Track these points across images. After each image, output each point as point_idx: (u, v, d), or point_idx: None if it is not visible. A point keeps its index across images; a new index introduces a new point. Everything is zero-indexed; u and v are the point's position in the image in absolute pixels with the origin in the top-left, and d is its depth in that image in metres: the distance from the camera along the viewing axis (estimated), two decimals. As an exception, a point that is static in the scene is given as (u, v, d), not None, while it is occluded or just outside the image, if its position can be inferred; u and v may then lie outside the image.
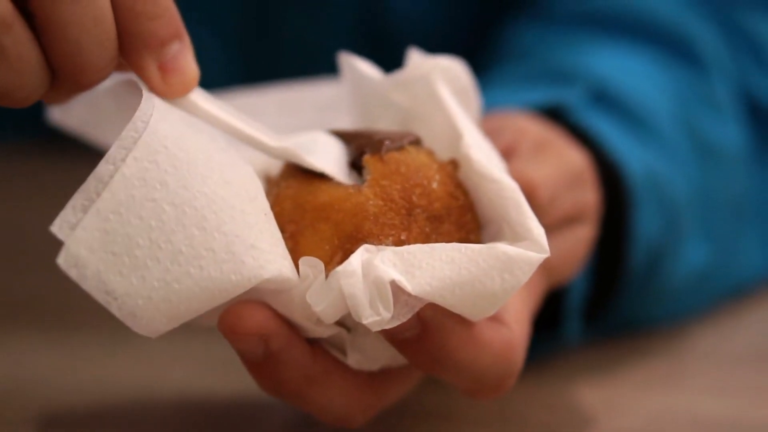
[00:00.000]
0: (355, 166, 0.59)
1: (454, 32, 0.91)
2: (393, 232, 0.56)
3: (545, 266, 0.64)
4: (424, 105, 0.61)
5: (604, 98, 0.78)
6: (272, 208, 0.58)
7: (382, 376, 0.60)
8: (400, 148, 0.58)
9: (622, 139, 0.75)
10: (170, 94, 0.55)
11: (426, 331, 0.56)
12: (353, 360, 0.59)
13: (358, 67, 0.63)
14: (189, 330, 0.77)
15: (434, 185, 0.58)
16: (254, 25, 0.91)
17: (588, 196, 0.69)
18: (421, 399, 0.71)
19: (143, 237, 0.53)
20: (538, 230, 0.55)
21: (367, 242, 0.56)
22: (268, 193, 0.60)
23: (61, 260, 0.52)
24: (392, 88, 0.62)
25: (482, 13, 0.95)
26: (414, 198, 0.57)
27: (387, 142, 0.58)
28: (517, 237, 0.56)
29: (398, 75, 0.62)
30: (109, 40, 0.53)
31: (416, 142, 0.60)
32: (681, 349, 0.79)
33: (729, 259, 0.82)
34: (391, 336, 0.56)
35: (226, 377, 0.73)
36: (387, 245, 0.56)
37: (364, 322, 0.53)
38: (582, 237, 0.69)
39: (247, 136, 0.58)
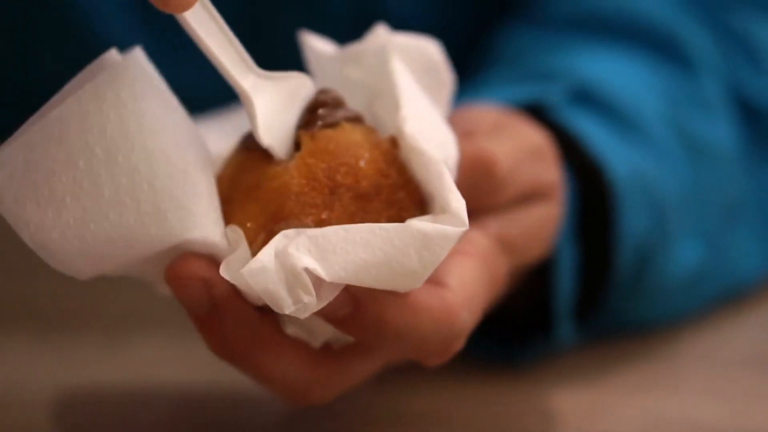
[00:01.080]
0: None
1: (450, 35, 0.91)
2: (314, 212, 0.56)
3: (505, 242, 0.64)
4: (378, 80, 0.61)
5: (588, 97, 0.77)
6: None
7: (343, 349, 0.60)
8: (335, 125, 0.59)
9: (606, 138, 0.75)
10: (166, 9, 0.54)
11: (359, 306, 0.56)
12: (291, 331, 0.59)
13: (315, 45, 0.63)
14: (186, 330, 0.77)
15: (362, 164, 0.57)
16: (248, 26, 0.91)
17: (550, 175, 0.68)
18: (410, 402, 0.71)
19: (66, 174, 0.53)
20: (456, 203, 0.55)
21: (288, 222, 0.56)
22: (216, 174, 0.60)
23: None
24: (346, 62, 0.62)
25: (478, 16, 0.95)
26: (338, 177, 0.57)
27: (321, 116, 0.58)
28: (441, 210, 0.56)
29: (352, 48, 0.62)
30: None
31: (355, 119, 0.59)
32: (675, 352, 0.78)
33: (723, 259, 0.82)
34: (325, 316, 0.56)
35: (225, 379, 0.73)
36: (308, 225, 0.56)
37: (287, 312, 0.53)
38: (546, 215, 0.68)
39: (222, 67, 0.57)
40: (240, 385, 0.72)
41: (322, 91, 0.60)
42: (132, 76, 0.55)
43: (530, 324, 0.74)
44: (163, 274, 0.57)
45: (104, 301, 0.83)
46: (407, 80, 0.61)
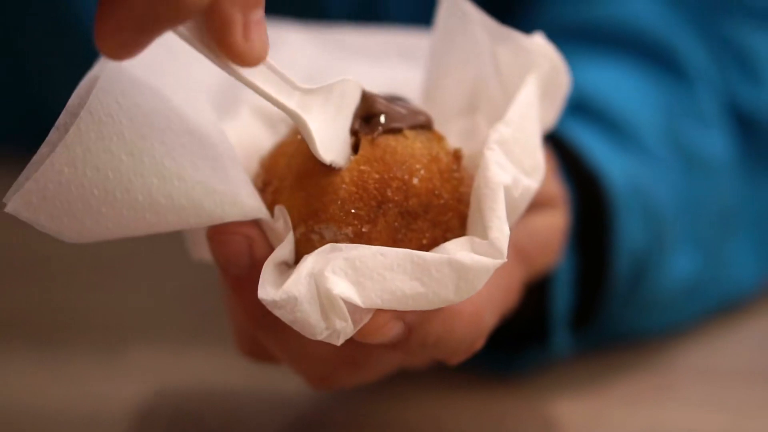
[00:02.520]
0: (355, 134, 0.58)
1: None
2: (355, 222, 0.56)
3: (519, 252, 0.64)
4: (510, 79, 0.61)
5: (584, 108, 0.78)
6: (270, 158, 0.59)
7: None
8: (398, 131, 0.58)
9: (603, 148, 0.75)
10: (246, 56, 0.52)
11: (412, 329, 0.56)
12: None
13: (466, 8, 0.62)
14: (181, 344, 0.77)
15: (415, 181, 0.57)
16: None
17: (549, 186, 0.68)
18: (405, 411, 0.71)
19: (98, 187, 0.53)
20: (497, 233, 0.54)
21: (328, 225, 0.56)
22: (287, 135, 0.60)
23: (10, 208, 0.53)
24: (500, 40, 0.61)
25: None
26: (389, 192, 0.56)
27: (383, 122, 0.57)
28: (483, 234, 0.55)
29: (513, 33, 0.61)
30: None
31: (422, 125, 0.58)
32: (670, 363, 0.78)
33: (719, 269, 0.82)
34: (380, 344, 0.56)
35: (221, 390, 0.73)
36: (347, 234, 0.56)
37: (319, 338, 0.53)
38: (554, 224, 0.68)
39: (266, 95, 0.56)
40: (236, 398, 0.72)
41: (380, 101, 0.58)
42: (124, 79, 0.55)
43: (527, 333, 0.74)
44: (205, 232, 0.58)
45: (100, 310, 0.83)
46: (531, 99, 0.60)
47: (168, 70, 0.58)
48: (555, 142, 0.74)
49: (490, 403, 0.73)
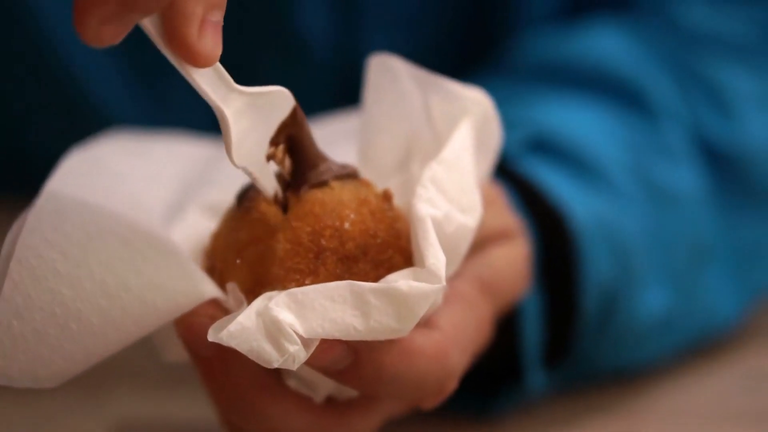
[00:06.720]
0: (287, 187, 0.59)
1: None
2: (297, 277, 0.57)
3: (484, 285, 0.64)
4: (443, 128, 0.61)
5: (546, 146, 0.78)
6: (210, 244, 0.60)
7: (345, 403, 0.60)
8: (323, 184, 0.59)
9: (566, 185, 0.76)
10: (196, 54, 0.52)
11: (359, 357, 0.56)
12: (293, 384, 0.59)
13: (393, 65, 0.62)
14: (160, 392, 0.77)
15: (347, 225, 0.58)
16: (227, 70, 0.91)
17: (502, 219, 0.68)
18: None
19: (52, 326, 0.54)
20: (433, 259, 0.55)
21: (273, 287, 0.57)
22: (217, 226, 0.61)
23: None
24: (433, 91, 0.62)
25: (456, 58, 0.95)
26: (323, 241, 0.57)
27: (308, 177, 0.58)
28: (422, 264, 0.56)
29: (447, 83, 0.61)
30: None
31: (346, 176, 0.59)
32: (647, 404, 0.78)
33: (693, 303, 0.81)
34: (325, 370, 0.56)
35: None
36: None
37: (276, 365, 0.53)
38: (515, 254, 0.68)
39: (199, 87, 0.55)
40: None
41: (305, 127, 0.59)
42: (51, 212, 0.56)
43: (501, 373, 0.74)
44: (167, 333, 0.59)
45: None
46: (465, 140, 0.60)
47: (96, 186, 0.59)
48: (517, 179, 0.74)
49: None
